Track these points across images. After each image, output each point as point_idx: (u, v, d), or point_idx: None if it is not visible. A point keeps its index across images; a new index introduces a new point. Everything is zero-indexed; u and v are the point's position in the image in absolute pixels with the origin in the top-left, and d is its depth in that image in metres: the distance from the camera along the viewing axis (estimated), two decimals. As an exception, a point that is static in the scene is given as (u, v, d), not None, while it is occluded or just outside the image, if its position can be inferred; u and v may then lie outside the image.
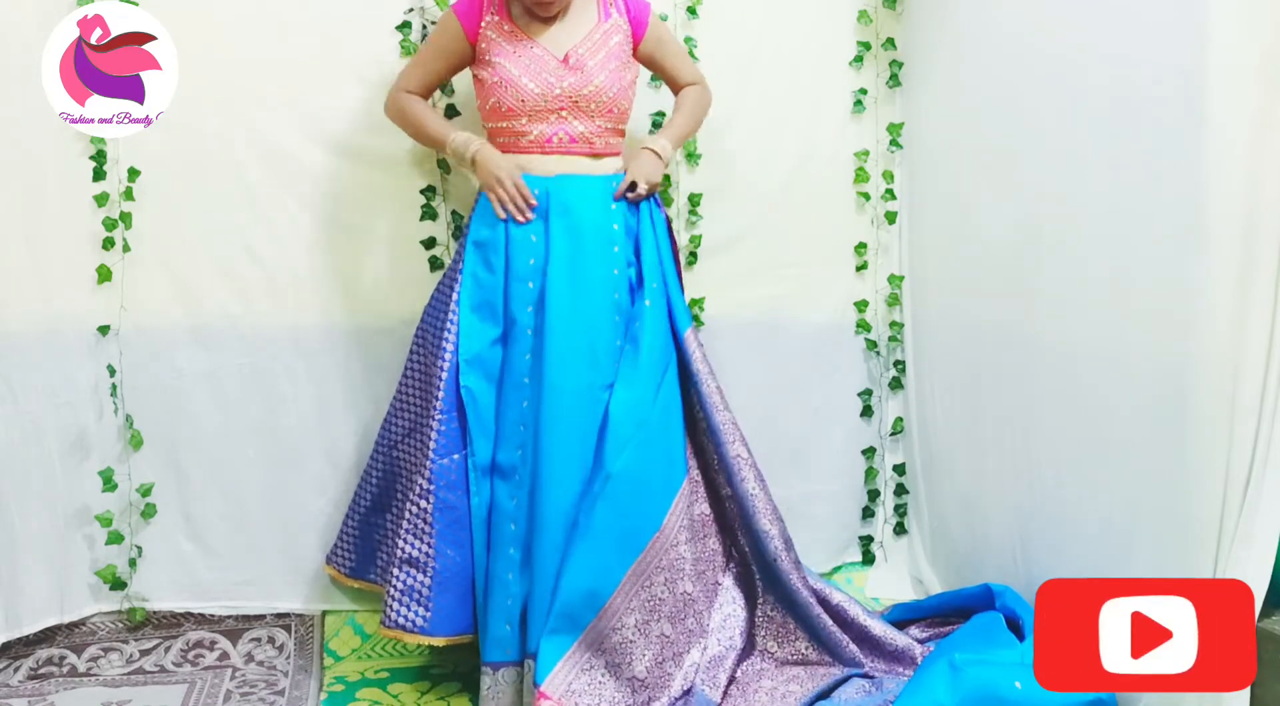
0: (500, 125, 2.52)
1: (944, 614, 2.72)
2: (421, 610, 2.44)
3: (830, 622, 2.53)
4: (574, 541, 2.35)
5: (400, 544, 2.46)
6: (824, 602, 2.57)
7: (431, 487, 2.44)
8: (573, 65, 2.47)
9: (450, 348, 2.47)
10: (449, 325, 2.49)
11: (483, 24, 2.50)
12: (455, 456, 2.46)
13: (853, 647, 2.52)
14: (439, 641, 2.46)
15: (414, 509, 2.46)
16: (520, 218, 2.46)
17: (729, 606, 2.57)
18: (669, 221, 2.64)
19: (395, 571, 2.46)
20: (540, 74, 2.46)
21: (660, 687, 2.36)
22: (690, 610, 2.46)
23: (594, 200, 2.50)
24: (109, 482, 2.69)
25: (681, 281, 2.65)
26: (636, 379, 2.44)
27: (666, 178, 2.94)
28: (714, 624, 2.52)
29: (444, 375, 2.46)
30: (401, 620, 2.44)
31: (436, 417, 2.45)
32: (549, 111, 2.48)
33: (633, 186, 2.51)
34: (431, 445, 2.45)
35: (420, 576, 2.44)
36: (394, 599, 2.45)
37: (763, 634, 2.57)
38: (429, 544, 2.44)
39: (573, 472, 2.40)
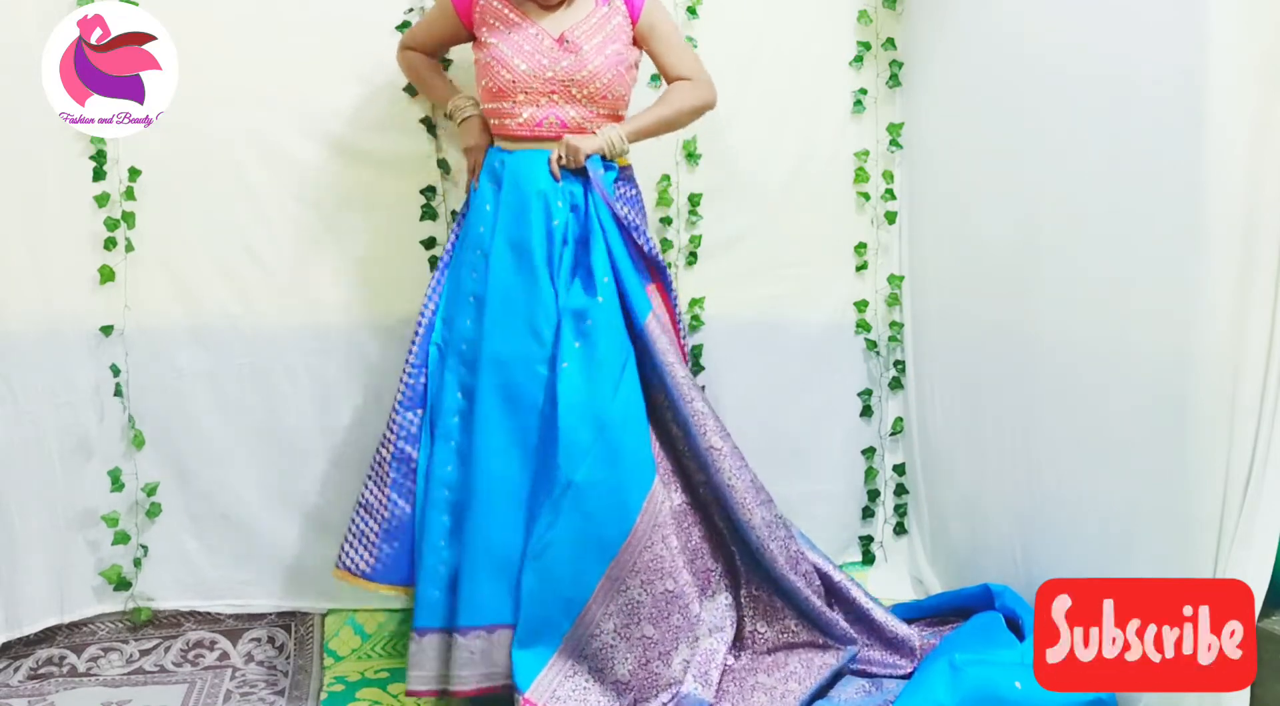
0: (493, 106, 2.51)
1: (944, 614, 2.72)
2: (367, 555, 2.49)
3: (819, 603, 2.52)
4: (544, 552, 2.33)
5: (362, 489, 2.54)
6: (825, 578, 2.57)
7: (393, 437, 2.50)
8: (568, 47, 2.46)
9: (431, 305, 2.53)
10: (436, 284, 2.55)
11: (479, 4, 2.50)
12: (419, 411, 2.50)
13: (844, 624, 2.52)
14: (383, 588, 2.51)
15: (377, 456, 2.53)
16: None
17: (720, 595, 2.55)
18: (615, 214, 2.46)
19: (353, 515, 2.53)
20: (533, 54, 2.45)
21: (648, 688, 2.34)
22: (675, 607, 2.38)
23: (548, 173, 2.47)
24: (117, 482, 2.70)
25: (642, 271, 2.52)
26: (595, 377, 2.38)
27: (666, 177, 2.94)
28: (705, 614, 2.48)
29: (420, 332, 2.52)
30: (349, 563, 2.52)
31: (407, 372, 2.51)
32: (540, 93, 2.46)
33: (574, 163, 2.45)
34: (398, 397, 2.51)
35: (371, 522, 2.50)
36: (347, 542, 2.52)
37: (751, 615, 2.55)
38: (384, 492, 2.49)
39: (510, 445, 2.39)
